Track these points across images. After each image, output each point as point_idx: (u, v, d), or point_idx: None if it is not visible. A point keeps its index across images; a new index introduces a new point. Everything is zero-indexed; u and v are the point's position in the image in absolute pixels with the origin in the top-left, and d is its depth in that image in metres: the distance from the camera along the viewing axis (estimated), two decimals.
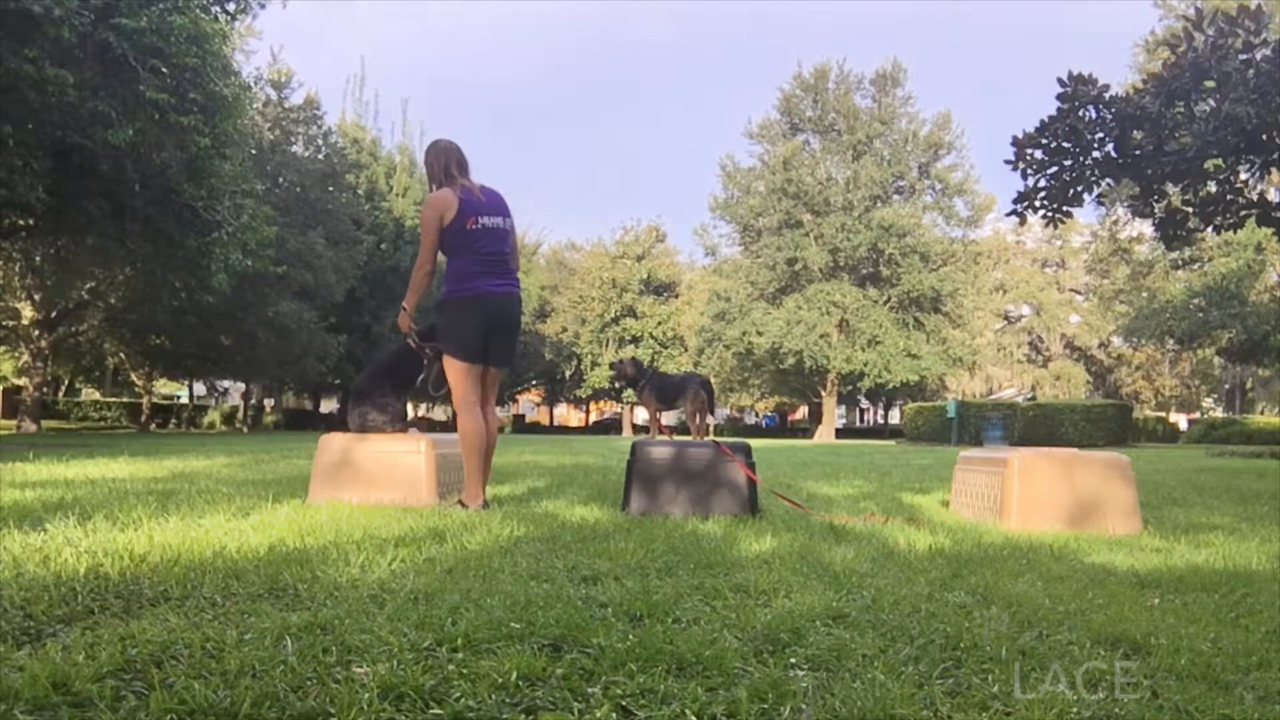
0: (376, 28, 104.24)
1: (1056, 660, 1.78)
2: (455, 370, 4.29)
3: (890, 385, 41.89)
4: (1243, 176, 9.79)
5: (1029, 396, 41.69)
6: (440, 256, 4.35)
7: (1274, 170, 9.75)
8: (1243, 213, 9.78)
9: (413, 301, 4.45)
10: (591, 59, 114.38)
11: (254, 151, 22.47)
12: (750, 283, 43.55)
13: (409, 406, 4.86)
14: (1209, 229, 10.42)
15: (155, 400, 39.51)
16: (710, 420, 6.73)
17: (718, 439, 4.82)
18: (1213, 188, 9.81)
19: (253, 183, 18.51)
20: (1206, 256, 29.50)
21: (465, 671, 1.59)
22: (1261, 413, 44.49)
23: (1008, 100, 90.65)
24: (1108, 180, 9.92)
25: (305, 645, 1.70)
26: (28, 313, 27.17)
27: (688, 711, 1.44)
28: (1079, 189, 9.56)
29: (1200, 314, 27.15)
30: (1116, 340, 49.12)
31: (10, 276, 25.58)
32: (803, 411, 54.87)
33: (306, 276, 27.51)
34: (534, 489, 5.73)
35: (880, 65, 43.92)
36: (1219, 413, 50.08)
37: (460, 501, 4.27)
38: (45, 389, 31.90)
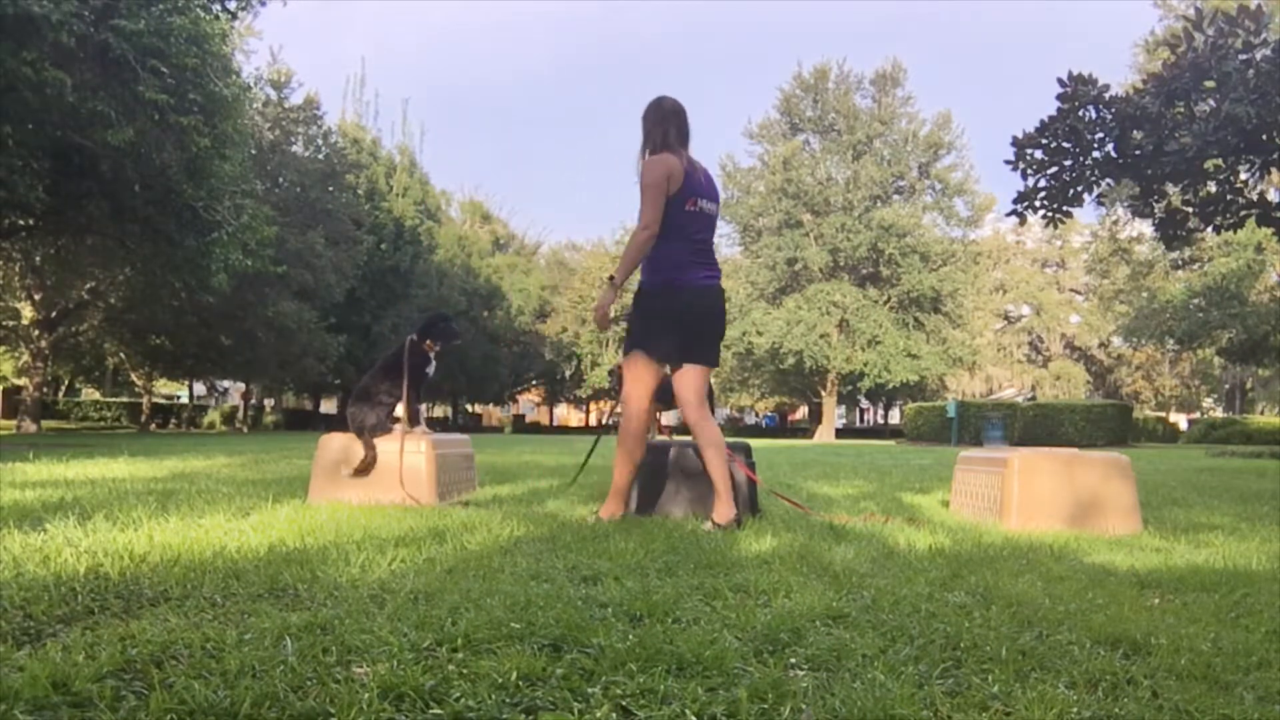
0: (376, 28, 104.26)
1: (1056, 660, 1.78)
2: (638, 367, 3.86)
3: (890, 385, 41.93)
4: (1243, 176, 9.79)
5: (1029, 396, 41.70)
6: None
7: (1274, 170, 9.75)
8: (1243, 213, 9.78)
9: (625, 273, 3.84)
10: (592, 59, 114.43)
11: (254, 151, 22.47)
12: (750, 283, 43.58)
13: (421, 406, 4.78)
14: (1209, 229, 10.42)
15: (155, 400, 39.53)
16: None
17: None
18: (1213, 188, 9.81)
19: (253, 183, 18.54)
20: (1206, 256, 29.51)
21: (465, 671, 1.59)
22: (1261, 413, 44.52)
23: (1008, 100, 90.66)
24: (1108, 180, 9.92)
25: (305, 645, 1.70)
26: (28, 313, 27.17)
27: (688, 711, 1.44)
28: (1079, 189, 9.56)
29: (1200, 314, 27.16)
30: (1116, 340, 49.14)
31: (10, 276, 25.60)
32: (803, 411, 54.89)
33: (306, 276, 27.52)
34: (534, 489, 5.73)
35: (880, 65, 44.04)
36: (1219, 413, 50.09)
37: (596, 513, 3.91)
38: (45, 389, 31.91)
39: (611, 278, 3.82)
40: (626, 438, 3.90)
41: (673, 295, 3.79)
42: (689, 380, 3.93)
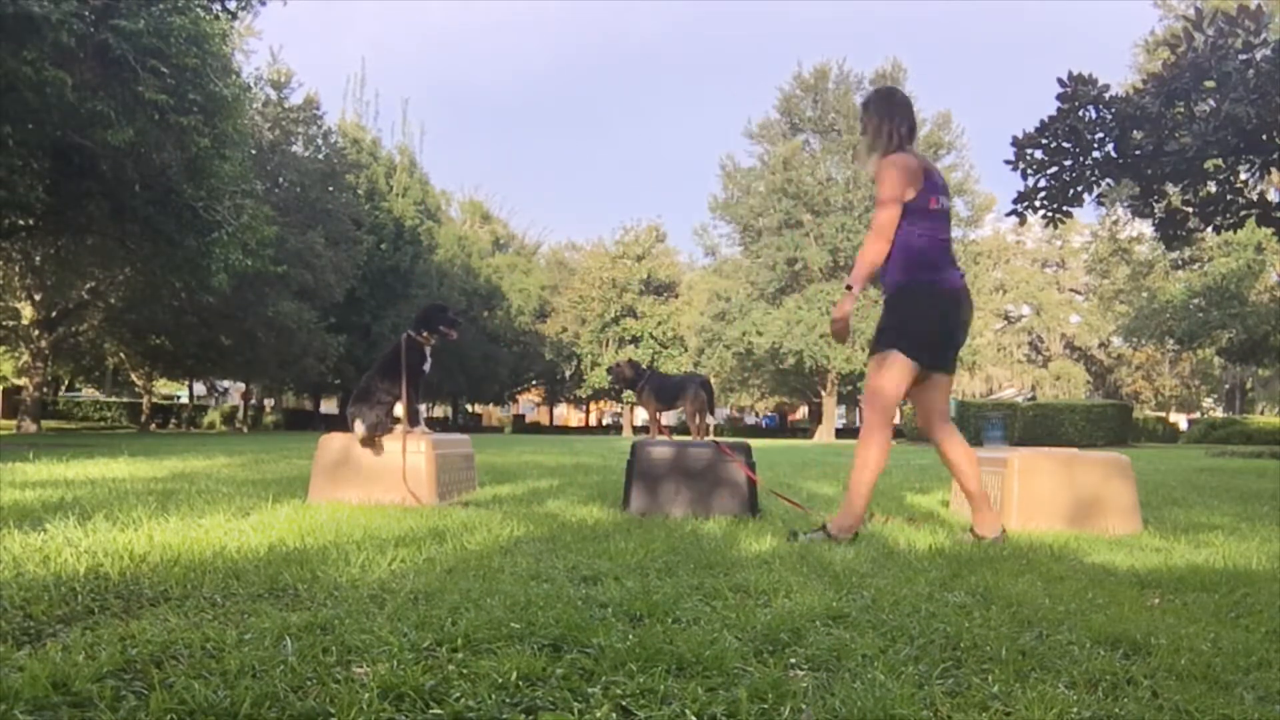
0: (377, 28, 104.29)
1: (1056, 660, 1.78)
2: (899, 371, 3.53)
3: None
4: (1243, 176, 9.78)
5: (1029, 396, 41.70)
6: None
7: (1274, 170, 9.74)
8: (1243, 213, 9.77)
9: (862, 282, 3.57)
10: (592, 59, 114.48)
11: (254, 151, 22.49)
12: (750, 283, 43.59)
13: (421, 406, 4.72)
14: (1209, 229, 10.41)
15: (155, 400, 39.53)
16: (710, 421, 6.72)
17: (717, 439, 4.82)
18: (1213, 188, 9.80)
19: (253, 183, 18.54)
20: (1206, 256, 29.52)
21: (465, 671, 1.59)
22: (1261, 413, 44.51)
23: (1008, 100, 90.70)
24: (1108, 180, 9.90)
25: (305, 645, 1.70)
26: (28, 313, 27.17)
27: (688, 711, 1.44)
28: (1079, 189, 9.55)
29: (1200, 314, 27.15)
30: (1116, 340, 49.12)
31: (10, 276, 25.59)
32: (803, 411, 54.88)
33: (306, 276, 27.52)
34: (534, 489, 5.73)
35: (880, 65, 44.00)
36: (1219, 413, 50.08)
37: (825, 529, 3.52)
38: (45, 389, 31.90)
39: (849, 286, 3.58)
40: (875, 459, 3.56)
41: (934, 297, 3.58)
42: (940, 389, 3.68)
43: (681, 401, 6.77)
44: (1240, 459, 15.17)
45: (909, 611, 2.15)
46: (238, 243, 16.46)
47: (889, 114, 3.65)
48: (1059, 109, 9.07)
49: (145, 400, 36.95)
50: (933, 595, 2.36)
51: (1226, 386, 49.49)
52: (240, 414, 39.55)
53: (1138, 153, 9.18)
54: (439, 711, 1.42)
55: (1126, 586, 2.63)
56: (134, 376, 36.32)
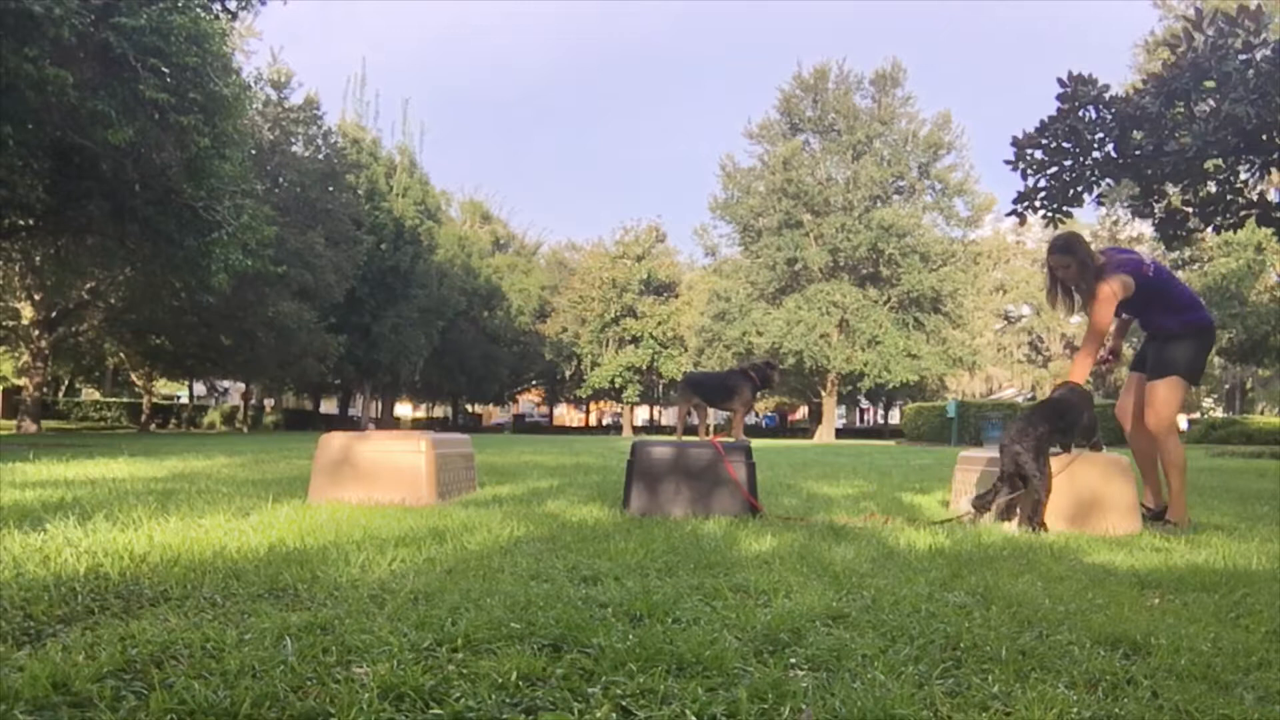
0: (377, 28, 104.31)
1: (1056, 660, 1.78)
2: (1180, 394, 4.63)
3: (890, 385, 41.93)
4: (1243, 176, 9.77)
5: (1029, 397, 41.70)
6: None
7: (1274, 170, 9.74)
8: (1243, 213, 9.76)
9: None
10: (592, 59, 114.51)
11: (254, 151, 22.49)
12: (750, 283, 43.59)
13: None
14: (1209, 229, 10.40)
15: (155, 400, 39.53)
16: (710, 421, 6.69)
17: (714, 438, 4.81)
18: (1213, 188, 9.79)
19: (253, 183, 18.53)
20: (1206, 257, 29.53)
21: (465, 671, 1.59)
22: (1261, 413, 44.48)
23: (1008, 100, 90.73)
24: (1108, 180, 9.90)
25: (305, 645, 1.70)
26: (28, 313, 27.18)
27: (688, 711, 1.44)
28: (1079, 189, 9.55)
29: None
30: None
31: (10, 276, 25.60)
32: (803, 411, 54.89)
33: (306, 276, 27.53)
34: (534, 489, 5.73)
35: (880, 65, 44.05)
36: (1219, 413, 50.06)
37: (1168, 520, 4.44)
38: (45, 389, 31.90)
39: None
40: (1180, 459, 4.60)
41: (1210, 332, 4.67)
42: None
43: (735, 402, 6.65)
44: (1240, 459, 15.16)
45: (909, 611, 2.15)
46: (238, 243, 16.45)
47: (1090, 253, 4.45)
48: (1059, 109, 9.06)
49: (145, 400, 36.96)
50: (933, 595, 2.36)
51: (1226, 386, 49.46)
52: (240, 414, 39.55)
53: (1138, 153, 9.18)
54: (439, 711, 1.42)
55: (1126, 586, 2.63)
56: (134, 376, 36.35)
